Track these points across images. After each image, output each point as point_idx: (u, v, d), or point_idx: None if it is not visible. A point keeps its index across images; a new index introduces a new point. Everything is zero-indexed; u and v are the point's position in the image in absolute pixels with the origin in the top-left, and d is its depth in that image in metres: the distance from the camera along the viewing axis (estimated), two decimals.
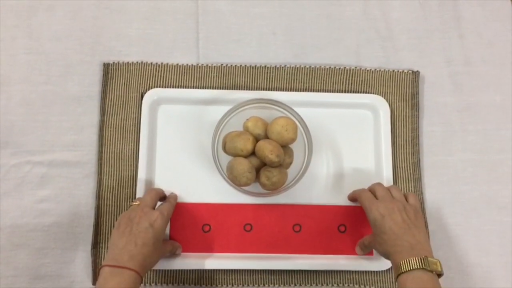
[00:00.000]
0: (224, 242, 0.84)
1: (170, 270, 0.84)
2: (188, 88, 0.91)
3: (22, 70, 0.90)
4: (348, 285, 0.85)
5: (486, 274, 0.86)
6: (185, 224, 0.85)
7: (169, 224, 0.84)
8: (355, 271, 0.85)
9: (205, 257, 0.83)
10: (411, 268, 0.67)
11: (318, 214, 0.86)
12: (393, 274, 0.72)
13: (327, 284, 0.85)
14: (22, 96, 0.89)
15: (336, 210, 0.86)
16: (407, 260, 0.68)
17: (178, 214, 0.85)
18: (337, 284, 0.85)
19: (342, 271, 0.85)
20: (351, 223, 0.86)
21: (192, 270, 0.84)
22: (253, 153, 0.83)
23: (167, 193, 0.85)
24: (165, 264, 0.82)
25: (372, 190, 0.80)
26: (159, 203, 0.82)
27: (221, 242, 0.84)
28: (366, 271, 0.85)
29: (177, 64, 0.91)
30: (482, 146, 0.91)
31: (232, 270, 0.84)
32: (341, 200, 0.87)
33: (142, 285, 0.83)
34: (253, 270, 0.85)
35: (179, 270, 0.84)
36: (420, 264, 0.67)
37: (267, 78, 0.92)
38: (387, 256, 0.74)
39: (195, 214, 0.85)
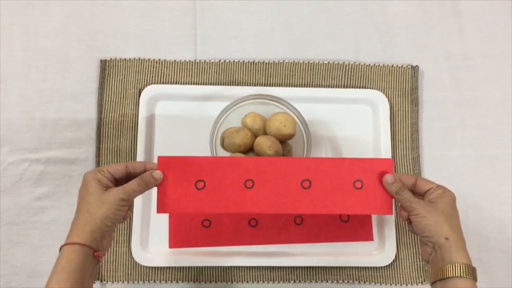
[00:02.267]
0: (221, 201, 0.72)
1: (167, 267, 0.84)
2: (186, 84, 0.90)
3: (19, 67, 0.90)
4: (348, 281, 0.84)
5: (486, 270, 0.86)
6: (175, 180, 0.72)
7: (167, 218, 0.84)
8: (355, 267, 0.85)
9: (203, 253, 0.83)
10: (465, 276, 0.64)
11: (330, 168, 0.74)
12: (436, 263, 0.66)
13: (326, 281, 0.84)
14: (19, 93, 0.89)
15: (352, 164, 0.74)
16: (466, 265, 0.64)
17: (167, 169, 0.71)
18: (337, 281, 0.84)
19: (342, 267, 0.85)
20: (368, 179, 0.74)
21: (191, 267, 0.84)
22: (251, 149, 0.82)
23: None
24: (162, 261, 0.82)
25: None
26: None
27: (218, 201, 0.72)
28: (366, 267, 0.85)
29: (175, 60, 0.91)
30: (482, 141, 0.91)
31: (231, 267, 0.84)
32: None
33: (140, 281, 0.83)
34: (252, 266, 0.84)
35: (176, 267, 0.84)
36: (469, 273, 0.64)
37: (265, 73, 0.91)
38: (437, 237, 0.66)
39: (187, 169, 0.72)
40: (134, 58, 0.91)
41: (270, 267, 0.84)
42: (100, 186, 0.66)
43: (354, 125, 0.90)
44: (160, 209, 0.71)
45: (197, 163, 0.72)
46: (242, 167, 0.73)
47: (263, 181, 0.73)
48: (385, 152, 0.88)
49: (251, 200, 0.73)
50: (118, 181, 0.68)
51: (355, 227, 0.85)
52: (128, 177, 0.69)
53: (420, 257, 0.84)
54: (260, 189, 0.73)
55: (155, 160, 0.85)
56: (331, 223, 0.84)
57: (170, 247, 0.83)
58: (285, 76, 0.91)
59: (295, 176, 0.73)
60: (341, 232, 0.84)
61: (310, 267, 0.84)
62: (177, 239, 0.83)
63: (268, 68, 0.92)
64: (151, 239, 0.84)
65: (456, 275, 0.63)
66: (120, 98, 0.89)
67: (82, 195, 0.66)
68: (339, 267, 0.85)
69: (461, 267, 0.63)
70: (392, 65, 0.93)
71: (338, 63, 0.92)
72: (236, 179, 0.73)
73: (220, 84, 0.90)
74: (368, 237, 0.86)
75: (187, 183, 0.72)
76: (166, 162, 0.71)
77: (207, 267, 0.84)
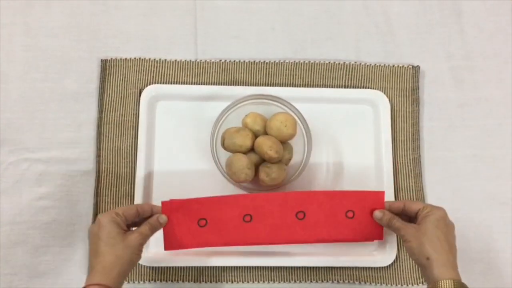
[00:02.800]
0: (222, 235, 0.79)
1: (168, 267, 0.84)
2: (186, 84, 0.90)
3: (20, 67, 0.90)
4: (349, 282, 0.84)
5: (487, 270, 0.86)
6: (180, 220, 0.78)
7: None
8: (355, 268, 0.84)
9: (203, 253, 0.83)
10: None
11: (323, 200, 0.79)
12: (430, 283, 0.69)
13: (327, 281, 0.84)
14: (20, 93, 0.88)
15: (344, 196, 0.80)
16: (450, 281, 0.66)
17: (171, 212, 0.77)
18: (337, 281, 0.84)
19: (342, 267, 0.84)
20: (360, 210, 0.79)
21: (191, 267, 0.84)
22: (252, 149, 0.82)
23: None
24: (162, 261, 0.82)
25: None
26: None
27: (219, 236, 0.79)
28: (366, 268, 0.85)
29: (176, 60, 0.91)
30: (482, 141, 0.91)
31: (231, 267, 0.84)
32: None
33: (140, 282, 0.83)
34: (252, 266, 0.84)
35: (177, 267, 0.84)
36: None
37: (266, 73, 0.91)
38: (420, 258, 0.69)
39: (189, 210, 0.78)
40: (135, 58, 0.90)
41: (270, 267, 0.84)
42: (120, 229, 0.70)
43: (355, 125, 0.90)
44: (167, 247, 0.78)
45: (198, 204, 0.78)
46: (240, 204, 0.78)
47: (260, 214, 0.79)
48: (386, 152, 0.87)
49: (250, 233, 0.79)
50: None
51: (362, 225, 0.80)
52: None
53: None
54: (258, 222, 0.79)
55: (156, 160, 0.86)
56: (335, 219, 0.80)
57: (165, 249, 0.79)
58: (285, 76, 0.91)
59: (290, 209, 0.79)
60: (347, 230, 0.80)
61: (310, 267, 0.84)
62: (171, 241, 0.79)
63: (268, 68, 0.91)
64: (151, 239, 0.83)
65: None
66: (121, 98, 0.89)
67: (101, 236, 0.68)
68: (340, 267, 0.84)
69: (444, 283, 0.66)
70: (393, 65, 0.92)
71: (339, 63, 0.92)
72: (235, 214, 0.78)
73: (221, 84, 0.90)
74: (378, 235, 0.81)
75: (190, 222, 0.78)
76: (169, 206, 0.77)
77: (207, 267, 0.84)
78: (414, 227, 0.72)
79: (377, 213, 0.77)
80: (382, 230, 0.80)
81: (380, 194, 0.79)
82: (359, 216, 0.79)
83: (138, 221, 0.74)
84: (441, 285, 0.66)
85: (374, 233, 0.80)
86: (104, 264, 0.67)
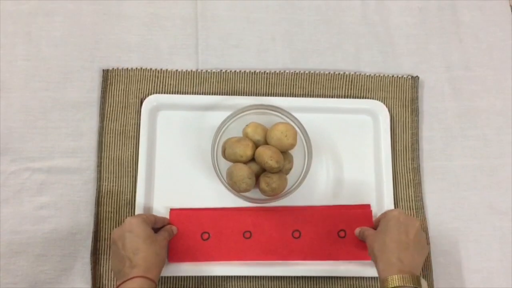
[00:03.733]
0: (223, 250, 0.84)
1: (170, 276, 0.84)
2: (187, 94, 0.91)
3: (21, 77, 0.90)
4: None
5: (486, 280, 0.86)
6: (185, 233, 0.84)
7: None
8: (356, 277, 0.85)
9: (205, 264, 0.83)
10: (403, 285, 0.68)
11: (317, 219, 0.86)
12: (379, 283, 0.72)
13: None
14: (21, 103, 0.89)
15: (336, 215, 0.86)
16: (401, 276, 0.69)
17: (177, 222, 0.84)
18: None
19: (342, 277, 0.85)
20: (350, 229, 0.85)
21: (192, 276, 0.84)
22: (252, 159, 0.82)
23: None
24: (165, 271, 0.82)
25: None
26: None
27: (220, 250, 0.84)
28: (366, 277, 0.85)
29: (177, 70, 0.91)
30: (482, 151, 0.91)
31: (232, 276, 0.84)
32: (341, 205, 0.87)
33: None
34: (253, 276, 0.84)
35: (178, 276, 0.84)
36: (413, 282, 0.69)
37: (266, 83, 0.92)
38: (375, 257, 0.75)
39: (194, 222, 0.84)
40: (136, 68, 0.91)
41: (270, 277, 0.84)
42: (151, 230, 0.76)
43: (355, 135, 0.91)
44: (171, 259, 0.83)
45: (202, 215, 0.85)
46: (241, 220, 0.85)
47: (259, 232, 0.85)
48: (386, 162, 0.88)
49: (249, 249, 0.84)
50: None
51: (353, 244, 0.85)
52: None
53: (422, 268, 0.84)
54: (257, 239, 0.84)
55: (157, 169, 0.87)
56: (328, 238, 0.85)
57: (169, 261, 0.83)
58: (286, 86, 0.92)
59: (287, 227, 0.85)
60: (340, 249, 0.85)
61: (311, 276, 0.84)
62: (176, 253, 0.83)
63: (269, 78, 0.92)
64: None
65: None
66: (122, 107, 0.89)
67: (138, 234, 0.73)
68: (340, 277, 0.85)
69: (387, 282, 0.70)
70: (393, 76, 0.93)
71: (338, 73, 0.93)
72: (236, 230, 0.85)
73: (222, 94, 0.91)
74: (366, 256, 0.84)
75: (194, 235, 0.84)
76: (177, 214, 0.84)
77: (209, 276, 0.84)
78: (373, 232, 0.79)
79: (356, 230, 0.84)
80: None
81: (367, 207, 0.86)
82: (350, 236, 0.85)
83: (152, 228, 0.78)
84: (386, 283, 0.70)
85: (364, 253, 0.84)
86: (147, 260, 0.72)
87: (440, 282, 0.85)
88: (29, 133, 0.88)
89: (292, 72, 0.92)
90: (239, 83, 0.92)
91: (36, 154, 0.87)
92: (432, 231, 0.87)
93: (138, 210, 0.84)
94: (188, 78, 0.91)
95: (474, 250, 0.87)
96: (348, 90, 0.92)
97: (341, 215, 0.86)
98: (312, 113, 0.89)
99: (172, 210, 0.85)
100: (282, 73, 0.92)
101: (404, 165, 0.89)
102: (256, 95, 0.91)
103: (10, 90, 0.89)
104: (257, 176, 0.83)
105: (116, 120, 0.89)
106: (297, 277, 0.85)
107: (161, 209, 0.85)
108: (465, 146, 0.91)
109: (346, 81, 0.92)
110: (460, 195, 0.89)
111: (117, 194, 0.86)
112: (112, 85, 0.90)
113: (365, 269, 0.84)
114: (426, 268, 0.85)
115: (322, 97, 0.92)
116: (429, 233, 0.87)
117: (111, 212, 0.85)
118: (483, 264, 0.87)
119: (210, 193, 0.86)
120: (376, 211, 0.87)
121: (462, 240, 0.87)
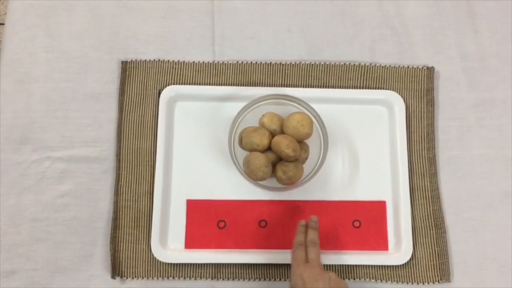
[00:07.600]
0: (239, 238, 0.85)
1: (187, 264, 0.85)
2: (204, 85, 0.92)
3: (42, 68, 0.92)
4: (364, 280, 0.85)
5: (502, 269, 0.86)
6: (201, 221, 0.85)
7: (185, 220, 0.86)
8: (371, 266, 0.85)
9: (220, 251, 0.84)
10: None
11: (332, 210, 0.86)
12: None
13: (342, 279, 0.85)
14: (42, 93, 0.91)
15: (351, 205, 0.87)
16: None
17: (194, 210, 0.86)
18: (353, 279, 0.85)
19: (357, 265, 0.85)
20: (365, 219, 0.86)
21: (208, 264, 0.85)
22: (269, 148, 0.83)
23: None
24: (181, 258, 0.83)
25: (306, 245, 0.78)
26: None
27: (236, 238, 0.85)
28: (382, 266, 0.85)
29: (194, 62, 0.93)
30: (497, 141, 0.91)
31: (248, 264, 0.85)
32: (356, 195, 0.88)
33: (159, 278, 0.84)
34: (269, 264, 0.85)
35: (195, 264, 0.85)
36: None
37: (282, 75, 0.93)
38: None
39: (211, 211, 0.86)
40: (154, 60, 0.92)
41: (287, 264, 0.85)
42: None
43: (370, 125, 0.91)
44: (188, 246, 0.85)
45: (219, 205, 0.86)
46: (256, 209, 0.86)
47: (274, 221, 0.86)
48: (401, 152, 0.88)
49: (264, 238, 0.85)
50: None
51: (368, 234, 0.86)
52: None
53: (437, 256, 0.84)
54: (273, 228, 0.86)
55: (174, 159, 0.88)
56: (343, 228, 0.86)
57: (185, 247, 0.85)
58: (302, 77, 0.93)
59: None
60: (355, 240, 0.86)
61: (326, 265, 0.85)
62: (193, 240, 0.85)
63: (285, 69, 0.93)
64: (170, 237, 0.85)
65: None
66: (140, 98, 0.91)
67: None
68: (355, 265, 0.85)
69: None
70: (408, 66, 0.93)
71: (354, 64, 0.93)
72: (252, 219, 0.86)
73: (238, 85, 0.92)
74: (383, 246, 0.86)
75: (210, 223, 0.85)
76: (194, 204, 0.86)
77: (225, 264, 0.85)
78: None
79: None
80: (387, 240, 0.85)
81: (382, 204, 0.86)
82: (364, 226, 0.86)
83: None
84: None
85: (379, 243, 0.85)
86: None
87: (457, 271, 0.85)
88: (50, 123, 0.89)
89: (307, 64, 0.93)
90: (255, 75, 0.93)
91: (56, 143, 0.89)
92: (448, 220, 0.87)
93: (156, 199, 0.85)
94: (205, 69, 0.92)
95: (491, 239, 0.87)
96: (363, 81, 0.93)
97: (356, 206, 0.87)
98: (327, 104, 0.90)
99: (188, 200, 0.86)
100: (298, 64, 0.93)
101: (420, 155, 0.90)
102: (272, 86, 0.92)
103: (32, 81, 0.91)
104: (274, 165, 0.84)
105: (135, 110, 0.90)
106: None
107: (178, 198, 0.87)
108: (481, 136, 0.91)
109: (361, 72, 0.93)
110: (476, 185, 0.89)
111: (136, 184, 0.87)
112: (130, 76, 0.92)
113: (380, 258, 0.85)
114: (443, 257, 0.85)
115: (338, 88, 0.92)
116: (445, 223, 0.87)
117: (130, 201, 0.87)
118: (499, 254, 0.86)
119: (226, 183, 0.87)
120: (391, 202, 0.87)
121: (478, 229, 0.87)
